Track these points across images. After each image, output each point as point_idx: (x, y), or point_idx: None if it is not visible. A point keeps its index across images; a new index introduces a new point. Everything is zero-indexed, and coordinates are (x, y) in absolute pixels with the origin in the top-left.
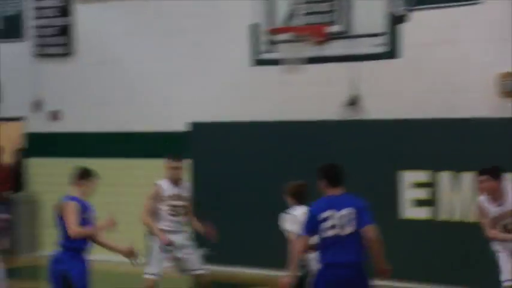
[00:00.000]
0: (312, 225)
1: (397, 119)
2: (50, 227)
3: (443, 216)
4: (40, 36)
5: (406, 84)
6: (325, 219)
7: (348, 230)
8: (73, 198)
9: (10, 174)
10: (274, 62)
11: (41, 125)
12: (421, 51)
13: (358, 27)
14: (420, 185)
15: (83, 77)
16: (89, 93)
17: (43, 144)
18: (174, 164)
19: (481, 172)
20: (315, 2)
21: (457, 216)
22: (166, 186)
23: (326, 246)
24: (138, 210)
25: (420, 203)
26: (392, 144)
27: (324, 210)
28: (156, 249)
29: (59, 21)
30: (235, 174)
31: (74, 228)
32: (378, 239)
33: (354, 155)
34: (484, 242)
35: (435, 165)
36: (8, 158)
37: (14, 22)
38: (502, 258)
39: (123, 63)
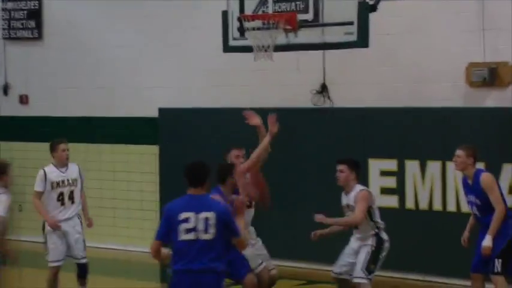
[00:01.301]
0: (168, 227)
1: (366, 107)
2: (14, 211)
3: (409, 205)
4: (9, 19)
5: (376, 73)
6: (183, 221)
7: (208, 235)
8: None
9: None
10: (245, 49)
11: (9, 108)
12: (391, 40)
13: (329, 16)
14: (388, 173)
15: (52, 61)
16: (58, 78)
17: (11, 128)
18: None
19: (339, 161)
20: None
21: (423, 205)
22: None
23: (182, 250)
24: (108, 195)
25: (388, 191)
26: (361, 132)
27: (182, 211)
28: None
29: (28, 5)
30: (203, 159)
31: None
32: (245, 246)
33: (323, 143)
34: (449, 231)
35: (402, 154)
36: None
37: None
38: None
39: (93, 48)
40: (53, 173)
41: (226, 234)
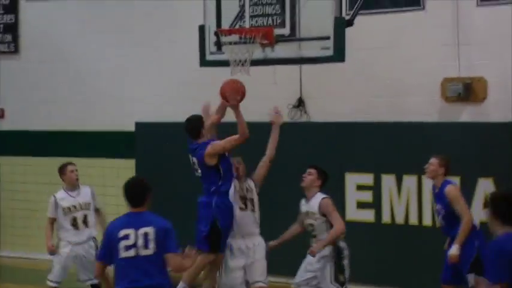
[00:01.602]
0: (109, 247)
1: (342, 121)
2: None
3: (385, 219)
4: None
5: (352, 87)
6: (122, 238)
7: (148, 251)
8: None
9: None
10: (222, 63)
11: None
12: (367, 55)
13: (306, 30)
14: (364, 187)
15: (29, 75)
16: (36, 92)
17: None
18: None
19: (311, 165)
20: (263, 5)
21: (399, 219)
22: None
23: (124, 268)
24: None
25: (364, 205)
26: (338, 146)
27: (122, 228)
28: None
29: (5, 19)
30: (179, 174)
31: None
32: (181, 267)
33: (301, 157)
34: (425, 245)
35: (379, 168)
36: None
37: None
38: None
39: (71, 61)
40: (63, 199)
41: (163, 249)
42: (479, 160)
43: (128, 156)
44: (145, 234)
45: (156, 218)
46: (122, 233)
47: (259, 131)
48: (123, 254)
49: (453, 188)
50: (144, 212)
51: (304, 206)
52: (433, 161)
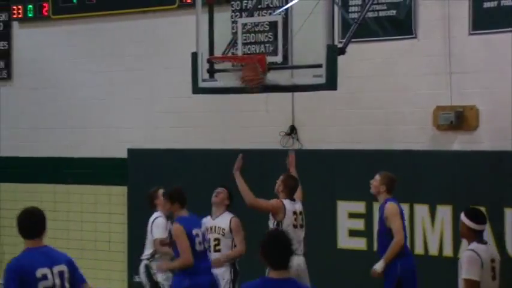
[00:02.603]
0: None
1: (334, 149)
2: None
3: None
4: None
5: (345, 115)
6: (41, 279)
7: None
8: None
9: None
10: (215, 90)
11: None
12: (359, 83)
13: (298, 58)
14: (356, 215)
15: (21, 102)
16: (27, 118)
17: None
18: None
19: (221, 185)
20: (256, 32)
21: None
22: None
23: None
24: (75, 236)
25: (356, 233)
26: (330, 174)
27: (37, 267)
28: None
29: None
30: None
31: None
32: None
33: None
34: (418, 273)
35: (370, 196)
36: None
37: None
38: None
39: (62, 88)
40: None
41: (77, 282)
42: (471, 189)
43: (120, 183)
44: (61, 273)
45: (60, 253)
46: (39, 272)
47: (250, 158)
48: None
49: (392, 205)
50: (46, 247)
51: (209, 222)
52: (376, 177)
